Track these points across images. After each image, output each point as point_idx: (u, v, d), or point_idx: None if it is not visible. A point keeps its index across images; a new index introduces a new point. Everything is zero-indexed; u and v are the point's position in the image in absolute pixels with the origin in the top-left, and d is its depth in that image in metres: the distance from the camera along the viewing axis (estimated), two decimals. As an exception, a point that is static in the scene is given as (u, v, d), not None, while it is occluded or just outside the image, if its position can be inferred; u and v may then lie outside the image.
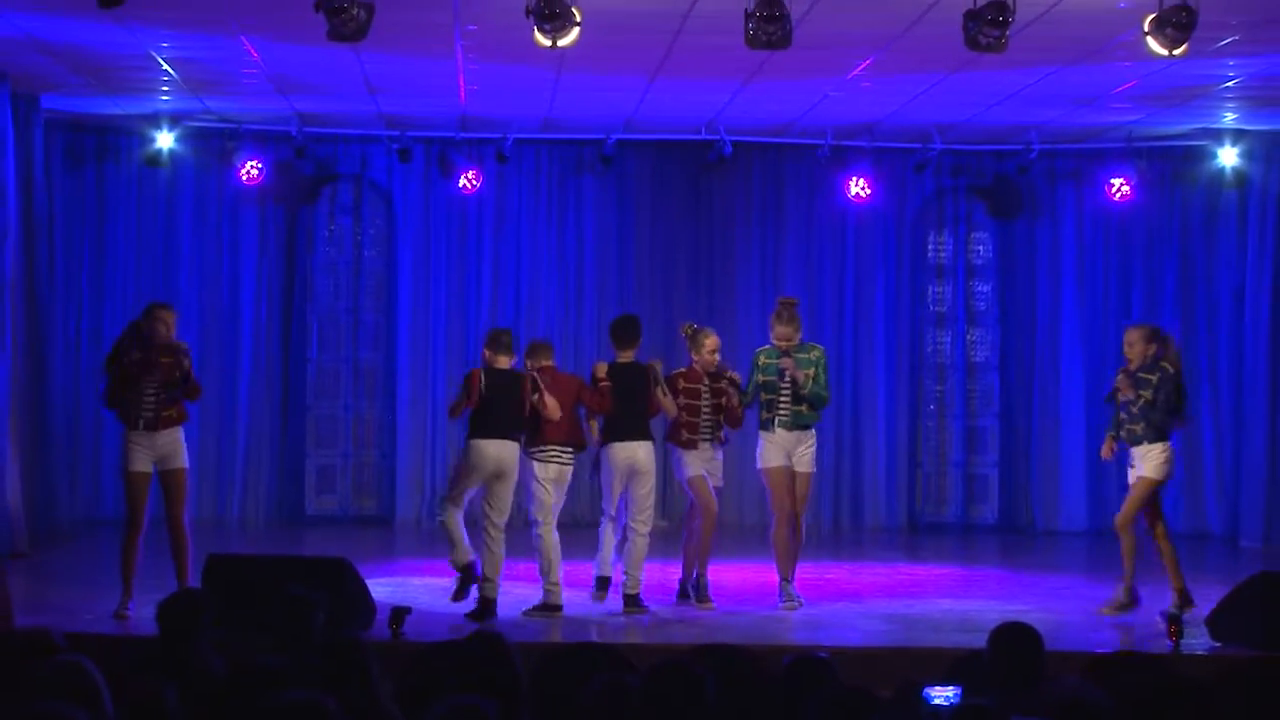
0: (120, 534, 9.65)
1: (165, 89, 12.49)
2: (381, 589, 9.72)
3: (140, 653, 5.68)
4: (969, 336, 14.98)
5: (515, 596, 9.85)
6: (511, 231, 14.70)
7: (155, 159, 13.99)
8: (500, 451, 9.60)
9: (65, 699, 4.30)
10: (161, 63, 11.42)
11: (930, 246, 15.01)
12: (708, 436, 9.98)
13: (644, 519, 9.84)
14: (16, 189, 12.26)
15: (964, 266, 14.98)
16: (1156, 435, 9.76)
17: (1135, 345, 9.90)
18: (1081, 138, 14.18)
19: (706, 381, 9.99)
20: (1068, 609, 10.08)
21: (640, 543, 9.78)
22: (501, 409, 9.58)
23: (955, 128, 13.71)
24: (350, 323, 14.71)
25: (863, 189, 14.31)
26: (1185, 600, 9.62)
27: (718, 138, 13.86)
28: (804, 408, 9.94)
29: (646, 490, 9.83)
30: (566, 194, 14.73)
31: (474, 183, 14.23)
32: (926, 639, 9.10)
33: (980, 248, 15.01)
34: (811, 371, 9.94)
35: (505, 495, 9.65)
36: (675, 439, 10.00)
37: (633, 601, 9.76)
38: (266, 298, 14.49)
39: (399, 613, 8.67)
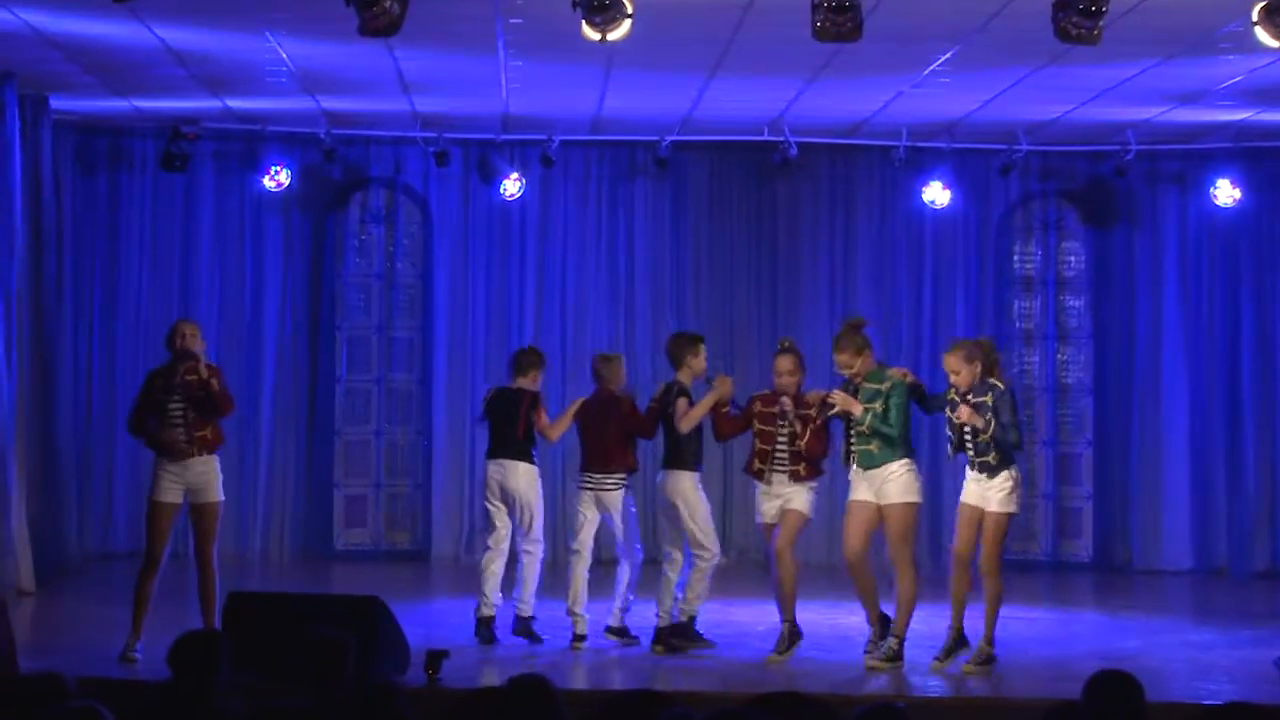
0: (135, 569, 9.66)
1: (184, 88, 12.59)
2: (416, 630, 9.74)
3: (153, 698, 5.70)
4: (1060, 356, 14.89)
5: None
6: (558, 241, 14.73)
7: (172, 163, 14.09)
8: (500, 473, 9.99)
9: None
10: (180, 60, 11.52)
11: (1016, 257, 14.94)
12: (783, 469, 9.64)
13: (680, 550, 9.86)
14: (24, 196, 12.38)
15: (1054, 279, 14.90)
16: (1007, 461, 9.50)
17: (961, 373, 9.55)
18: (1184, 138, 14.09)
19: (791, 407, 9.63)
20: (1171, 656, 9.97)
21: (670, 574, 9.83)
22: (499, 428, 10.05)
23: (1044, 127, 13.65)
24: (382, 341, 14.77)
25: (942, 194, 14.27)
26: (958, 643, 9.52)
27: (782, 139, 13.85)
28: (873, 446, 9.50)
29: (683, 523, 9.79)
30: (617, 200, 14.76)
31: (517, 188, 14.28)
32: (1016, 688, 9.07)
33: (1072, 258, 14.94)
34: (877, 405, 9.49)
35: (526, 520, 9.97)
36: (748, 468, 9.89)
37: (660, 636, 9.79)
38: (292, 313, 14.57)
39: (436, 656, 8.69)
